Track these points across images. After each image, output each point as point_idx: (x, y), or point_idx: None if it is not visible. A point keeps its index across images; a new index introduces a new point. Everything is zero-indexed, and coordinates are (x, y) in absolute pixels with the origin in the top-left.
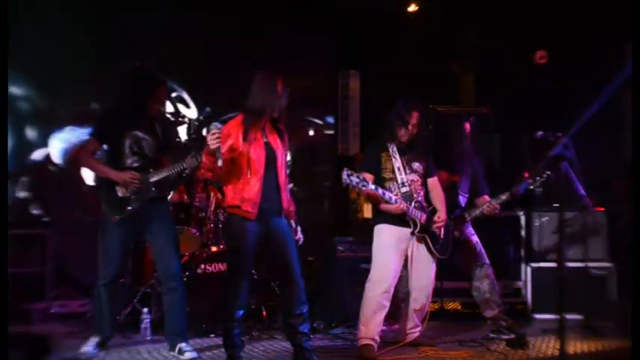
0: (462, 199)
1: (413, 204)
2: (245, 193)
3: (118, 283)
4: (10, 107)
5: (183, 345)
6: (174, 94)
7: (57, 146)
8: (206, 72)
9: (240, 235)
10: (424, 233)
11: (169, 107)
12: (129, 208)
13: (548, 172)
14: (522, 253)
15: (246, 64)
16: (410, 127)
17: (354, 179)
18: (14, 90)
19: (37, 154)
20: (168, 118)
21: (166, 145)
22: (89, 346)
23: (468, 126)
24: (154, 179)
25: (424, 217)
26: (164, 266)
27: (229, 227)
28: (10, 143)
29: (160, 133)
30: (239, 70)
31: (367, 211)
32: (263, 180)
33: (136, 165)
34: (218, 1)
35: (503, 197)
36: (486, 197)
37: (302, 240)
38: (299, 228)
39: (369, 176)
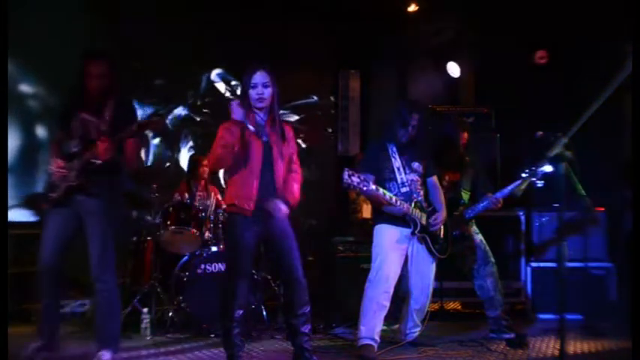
0: (464, 198)
1: (413, 204)
2: (242, 190)
3: (57, 273)
4: (20, 106)
5: (102, 353)
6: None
7: None
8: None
9: (238, 234)
10: (424, 233)
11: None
12: (52, 194)
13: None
14: (522, 253)
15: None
16: (410, 128)
17: (355, 179)
18: (24, 88)
19: None
20: (127, 99)
21: (118, 127)
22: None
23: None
24: (77, 167)
25: (424, 217)
26: (91, 266)
27: (228, 226)
28: (19, 142)
29: (111, 114)
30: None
31: (367, 211)
32: (260, 178)
33: (75, 149)
34: (218, 0)
35: (506, 191)
36: (489, 195)
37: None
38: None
39: (369, 177)
